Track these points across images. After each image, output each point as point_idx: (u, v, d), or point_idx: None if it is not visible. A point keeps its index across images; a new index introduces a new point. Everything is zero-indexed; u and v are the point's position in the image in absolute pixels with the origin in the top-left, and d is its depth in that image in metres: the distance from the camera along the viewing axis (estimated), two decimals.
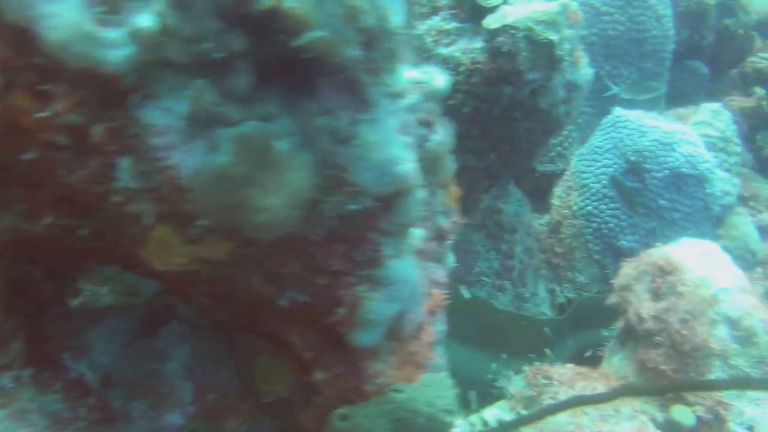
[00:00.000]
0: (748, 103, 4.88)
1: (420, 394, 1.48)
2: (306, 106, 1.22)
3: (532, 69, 3.09)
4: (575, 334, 3.70)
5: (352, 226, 1.34)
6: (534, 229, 3.97)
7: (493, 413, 2.96)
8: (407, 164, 1.32)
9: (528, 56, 3.05)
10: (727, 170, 4.32)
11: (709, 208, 3.78)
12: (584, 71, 3.45)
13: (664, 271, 3.06)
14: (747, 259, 4.17)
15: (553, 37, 3.04)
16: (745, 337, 2.91)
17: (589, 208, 3.78)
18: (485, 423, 2.92)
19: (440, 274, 1.77)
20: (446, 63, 3.13)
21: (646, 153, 3.66)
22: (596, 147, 3.86)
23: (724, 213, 4.32)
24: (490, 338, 3.51)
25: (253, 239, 1.28)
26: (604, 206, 3.73)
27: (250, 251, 1.31)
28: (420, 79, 1.49)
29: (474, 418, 2.99)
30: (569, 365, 3.17)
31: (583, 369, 3.10)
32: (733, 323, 2.92)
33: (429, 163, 1.76)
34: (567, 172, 3.99)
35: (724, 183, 4.29)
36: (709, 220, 3.84)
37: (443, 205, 1.92)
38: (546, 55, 3.09)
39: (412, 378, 1.56)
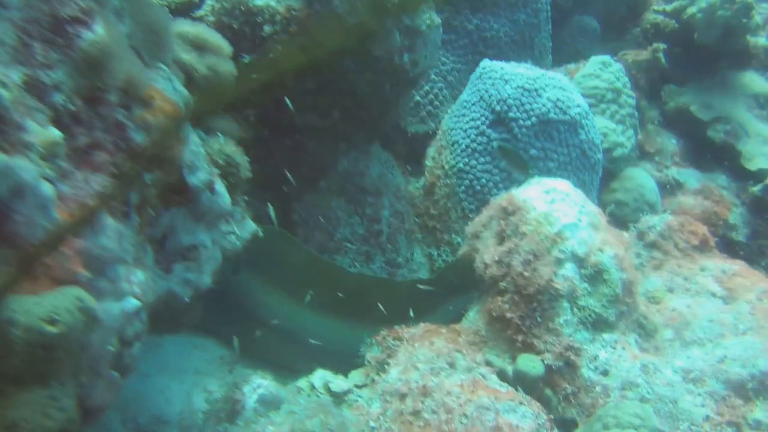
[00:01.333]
0: (643, 55, 4.60)
1: None
2: None
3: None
4: (455, 297, 3.44)
5: None
6: (406, 193, 3.71)
7: (320, 375, 2.71)
8: None
9: None
10: (620, 122, 4.07)
11: (587, 156, 3.52)
12: (426, 15, 3.23)
13: (507, 212, 2.81)
14: (644, 211, 3.90)
15: None
16: (595, 275, 2.65)
17: (460, 165, 3.52)
18: (312, 386, 2.67)
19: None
20: (262, 14, 2.91)
21: (510, 101, 3.41)
22: (464, 101, 3.62)
23: (617, 166, 4.07)
24: (355, 306, 3.27)
25: None
26: (474, 161, 3.48)
27: None
28: None
29: (302, 382, 2.74)
30: (422, 324, 2.92)
31: (434, 327, 2.85)
32: (580, 261, 2.66)
33: (89, 65, 1.54)
34: (439, 132, 3.74)
35: (615, 135, 4.04)
36: (590, 169, 3.58)
37: (140, 120, 1.70)
38: None
39: (40, 291, 1.33)
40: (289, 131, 3.22)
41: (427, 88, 3.80)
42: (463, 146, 3.52)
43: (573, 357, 2.57)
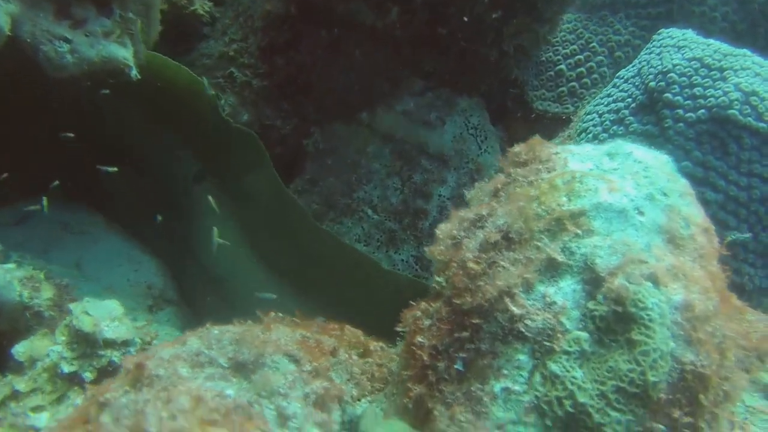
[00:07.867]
0: None
1: None
2: None
3: None
4: None
5: None
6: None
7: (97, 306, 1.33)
8: None
9: None
10: None
11: None
12: None
13: (517, 161, 1.18)
14: None
15: None
16: (614, 322, 0.93)
17: None
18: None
19: None
20: None
21: (673, 75, 1.69)
22: (618, 77, 1.96)
23: None
24: (320, 283, 1.80)
25: None
26: None
27: None
28: None
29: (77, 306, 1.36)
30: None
31: (341, 325, 1.30)
32: (594, 281, 0.96)
33: None
34: (575, 117, 2.09)
35: None
36: None
37: None
38: None
39: None
40: (326, 18, 1.86)
41: (580, 56, 2.18)
42: (591, 136, 1.87)
43: None
